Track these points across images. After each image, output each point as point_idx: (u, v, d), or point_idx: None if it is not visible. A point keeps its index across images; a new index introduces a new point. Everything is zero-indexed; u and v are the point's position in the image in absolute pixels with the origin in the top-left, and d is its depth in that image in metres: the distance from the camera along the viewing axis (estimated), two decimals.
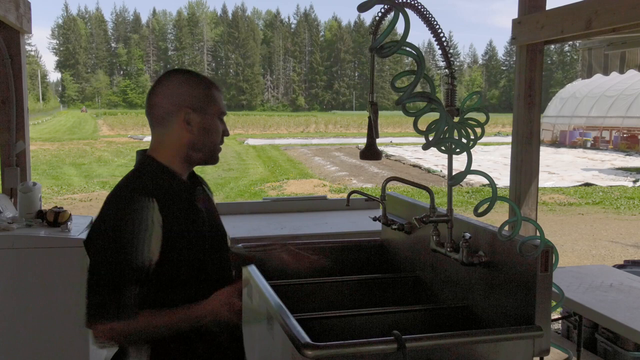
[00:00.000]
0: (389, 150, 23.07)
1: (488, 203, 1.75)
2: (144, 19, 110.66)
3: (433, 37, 1.98)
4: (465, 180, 9.65)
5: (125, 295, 1.53)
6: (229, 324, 1.64)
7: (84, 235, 3.29)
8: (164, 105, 1.68)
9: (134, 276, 1.54)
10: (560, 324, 4.06)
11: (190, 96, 1.68)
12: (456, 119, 1.96)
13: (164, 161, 1.69)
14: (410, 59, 1.64)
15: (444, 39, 1.96)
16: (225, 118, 1.79)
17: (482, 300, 2.04)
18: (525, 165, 3.76)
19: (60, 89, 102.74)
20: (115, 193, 1.63)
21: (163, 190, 1.64)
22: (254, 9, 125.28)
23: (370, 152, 2.15)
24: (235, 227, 3.54)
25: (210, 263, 1.73)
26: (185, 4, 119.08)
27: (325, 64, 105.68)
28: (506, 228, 1.88)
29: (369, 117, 2.08)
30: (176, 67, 25.83)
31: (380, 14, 1.91)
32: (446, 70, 2.03)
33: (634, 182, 15.14)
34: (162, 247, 1.59)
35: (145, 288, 1.57)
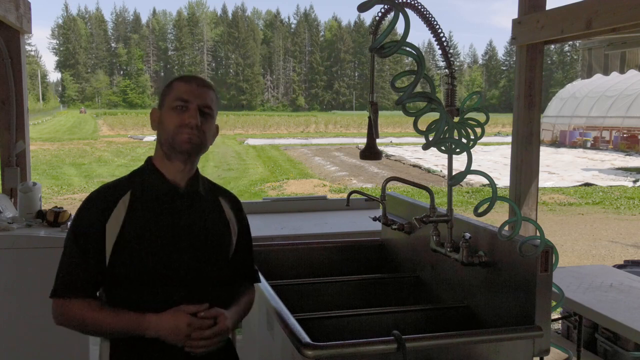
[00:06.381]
0: (389, 150, 23.06)
1: (488, 203, 1.75)
2: (144, 19, 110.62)
3: (433, 37, 1.98)
4: (465, 180, 9.65)
5: (67, 274, 1.73)
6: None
7: None
8: None
9: (77, 261, 1.70)
10: (560, 324, 4.06)
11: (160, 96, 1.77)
12: (456, 119, 1.96)
13: (156, 161, 1.76)
14: (410, 59, 1.64)
15: (444, 39, 1.97)
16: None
17: (482, 300, 2.04)
18: (525, 165, 3.76)
19: (60, 89, 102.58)
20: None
21: (141, 188, 1.72)
22: (254, 9, 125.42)
23: (370, 152, 2.15)
24: None
25: (169, 269, 1.65)
26: (185, 4, 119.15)
27: (325, 64, 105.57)
28: (506, 228, 1.88)
29: (369, 117, 2.08)
30: (176, 67, 25.79)
31: (380, 14, 1.91)
32: (446, 70, 2.03)
33: (634, 182, 15.14)
34: (113, 248, 1.64)
35: (98, 284, 1.70)
